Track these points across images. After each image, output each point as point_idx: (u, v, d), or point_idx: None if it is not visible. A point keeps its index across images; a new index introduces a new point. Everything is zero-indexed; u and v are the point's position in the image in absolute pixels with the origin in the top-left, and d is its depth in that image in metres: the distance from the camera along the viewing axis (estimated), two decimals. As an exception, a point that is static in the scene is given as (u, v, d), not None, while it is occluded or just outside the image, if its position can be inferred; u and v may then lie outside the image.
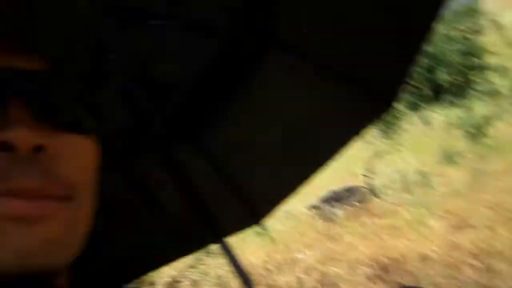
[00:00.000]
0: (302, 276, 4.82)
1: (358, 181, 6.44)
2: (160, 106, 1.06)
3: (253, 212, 1.34)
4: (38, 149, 0.34)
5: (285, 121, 1.08)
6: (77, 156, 0.38)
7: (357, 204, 5.87)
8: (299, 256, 5.18)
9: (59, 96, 0.37)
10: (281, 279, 4.87)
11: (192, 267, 5.84)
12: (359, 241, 4.93)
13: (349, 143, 1.08)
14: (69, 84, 0.38)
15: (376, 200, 5.90)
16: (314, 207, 6.17)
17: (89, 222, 0.40)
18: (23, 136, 0.33)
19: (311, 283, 4.68)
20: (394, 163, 6.56)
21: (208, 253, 5.99)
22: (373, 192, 6.07)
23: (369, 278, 4.35)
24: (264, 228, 6.12)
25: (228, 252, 1.15)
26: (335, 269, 4.64)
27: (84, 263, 0.40)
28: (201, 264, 5.86)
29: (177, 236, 1.26)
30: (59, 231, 0.36)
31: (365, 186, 6.22)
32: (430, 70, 8.05)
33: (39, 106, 0.35)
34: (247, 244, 4.90)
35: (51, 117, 0.36)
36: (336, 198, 6.10)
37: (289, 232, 5.82)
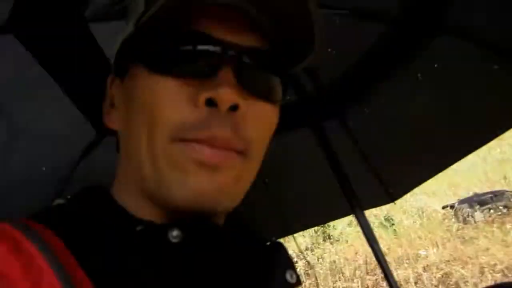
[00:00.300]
0: (422, 273, 4.81)
1: (510, 187, 6.06)
2: (317, 86, 1.31)
3: (386, 190, 1.54)
4: (234, 107, 0.42)
5: (431, 109, 1.22)
6: (261, 120, 0.45)
7: (503, 209, 5.57)
8: (423, 253, 5.16)
9: (263, 71, 0.46)
10: (399, 273, 4.90)
11: (308, 249, 6.19)
12: (496, 247, 4.71)
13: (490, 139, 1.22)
14: (274, 62, 0.46)
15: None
16: (451, 207, 6.00)
17: (254, 178, 0.48)
18: (227, 95, 0.41)
19: (431, 281, 4.65)
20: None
21: (326, 238, 6.22)
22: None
23: (499, 284, 4.20)
24: (389, 221, 6.10)
25: (363, 222, 1.33)
26: (461, 271, 4.54)
27: (238, 212, 0.48)
28: (318, 248, 6.17)
29: (319, 202, 1.52)
30: (231, 181, 0.43)
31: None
32: None
33: (243, 76, 0.43)
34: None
35: (251, 85, 0.44)
36: (478, 200, 5.83)
37: (417, 229, 5.77)
